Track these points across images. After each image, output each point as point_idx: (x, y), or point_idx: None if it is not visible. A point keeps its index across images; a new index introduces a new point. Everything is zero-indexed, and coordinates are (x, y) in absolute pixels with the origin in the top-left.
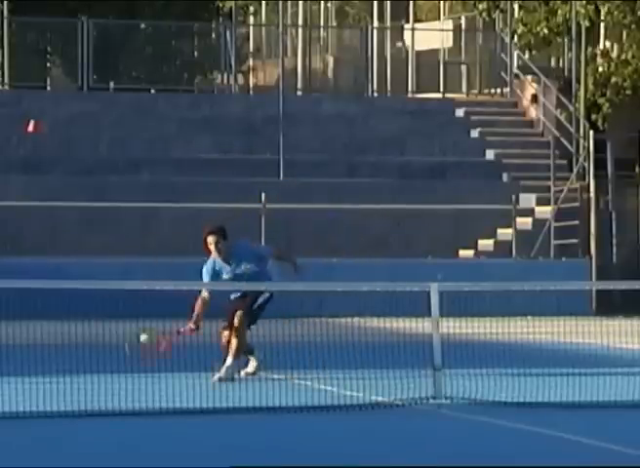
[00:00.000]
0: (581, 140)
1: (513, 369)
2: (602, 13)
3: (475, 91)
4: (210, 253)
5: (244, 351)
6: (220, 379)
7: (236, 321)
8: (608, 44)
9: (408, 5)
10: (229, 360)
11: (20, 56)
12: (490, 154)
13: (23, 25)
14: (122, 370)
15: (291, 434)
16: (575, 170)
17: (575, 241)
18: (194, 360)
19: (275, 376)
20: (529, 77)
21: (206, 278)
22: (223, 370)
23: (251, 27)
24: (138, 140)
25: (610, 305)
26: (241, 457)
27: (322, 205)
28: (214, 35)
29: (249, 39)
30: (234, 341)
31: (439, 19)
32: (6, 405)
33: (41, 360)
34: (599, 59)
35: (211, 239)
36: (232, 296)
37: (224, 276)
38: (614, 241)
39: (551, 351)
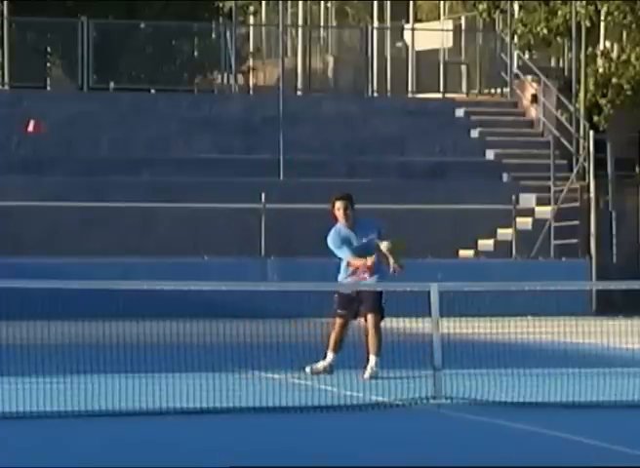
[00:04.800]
0: (581, 140)
1: (513, 369)
2: (602, 13)
3: (475, 91)
4: (336, 220)
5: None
6: (371, 377)
7: (375, 320)
8: (608, 44)
9: (408, 5)
10: (373, 358)
11: (20, 56)
12: (490, 154)
13: (23, 25)
14: (122, 370)
15: (291, 434)
16: (575, 170)
17: (575, 241)
18: (194, 360)
19: (275, 376)
20: (529, 77)
21: (337, 246)
22: (369, 370)
23: (251, 27)
24: (138, 140)
25: (610, 305)
26: (241, 457)
27: (322, 205)
28: (214, 35)
29: (249, 39)
30: (375, 339)
31: (439, 19)
32: (6, 405)
33: (41, 360)
34: (599, 60)
35: (339, 204)
36: (346, 292)
37: (354, 243)
38: (614, 241)
39: (551, 351)
